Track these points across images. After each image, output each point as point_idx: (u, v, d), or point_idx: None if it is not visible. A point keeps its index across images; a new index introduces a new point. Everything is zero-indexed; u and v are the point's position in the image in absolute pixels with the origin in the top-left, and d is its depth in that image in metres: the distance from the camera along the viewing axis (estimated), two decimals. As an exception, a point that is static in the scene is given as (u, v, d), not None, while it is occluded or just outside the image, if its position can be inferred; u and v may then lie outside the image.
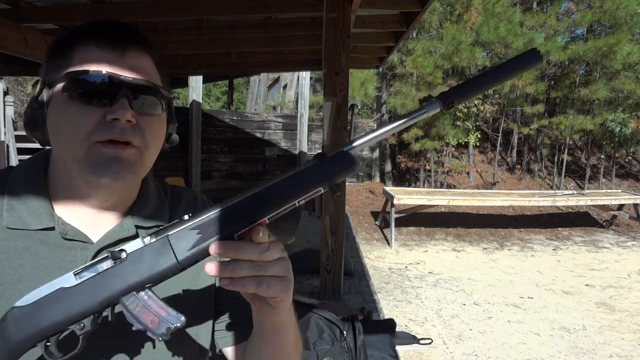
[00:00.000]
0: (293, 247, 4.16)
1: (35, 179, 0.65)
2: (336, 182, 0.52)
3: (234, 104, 14.17)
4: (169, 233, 0.50)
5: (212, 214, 0.50)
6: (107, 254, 0.50)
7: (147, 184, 0.72)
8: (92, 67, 0.59)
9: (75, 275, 0.49)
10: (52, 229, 0.61)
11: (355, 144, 0.54)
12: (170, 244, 0.50)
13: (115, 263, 0.49)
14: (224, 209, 0.51)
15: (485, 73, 0.58)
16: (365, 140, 0.54)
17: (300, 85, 9.64)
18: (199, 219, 0.50)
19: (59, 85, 0.60)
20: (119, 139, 0.58)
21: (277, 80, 12.95)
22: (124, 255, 0.49)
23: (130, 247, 0.50)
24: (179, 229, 0.50)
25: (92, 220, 0.64)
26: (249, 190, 0.51)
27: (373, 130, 0.55)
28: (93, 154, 0.58)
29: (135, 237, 0.64)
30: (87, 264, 0.51)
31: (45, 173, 0.66)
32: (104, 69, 0.59)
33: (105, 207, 0.65)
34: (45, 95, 0.61)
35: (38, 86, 0.62)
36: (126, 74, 0.60)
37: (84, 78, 0.58)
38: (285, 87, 12.02)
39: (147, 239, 0.51)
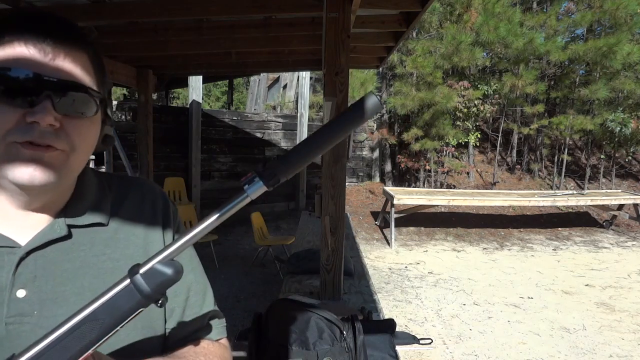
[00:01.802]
0: (293, 247, 4.16)
1: None
2: (157, 296, 0.48)
3: (234, 104, 14.18)
4: None
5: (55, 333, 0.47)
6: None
7: (83, 180, 0.68)
8: (15, 64, 0.54)
9: None
10: None
11: (167, 252, 0.49)
12: None
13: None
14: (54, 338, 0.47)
15: (310, 137, 0.50)
16: (178, 246, 0.50)
17: (300, 85, 9.65)
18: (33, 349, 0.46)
19: None
20: (38, 142, 0.55)
21: (277, 80, 12.96)
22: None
23: None
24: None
25: (20, 223, 0.61)
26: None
27: (188, 232, 0.49)
28: (10, 155, 0.55)
29: (67, 237, 0.62)
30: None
31: None
32: (28, 66, 0.54)
33: (35, 209, 0.61)
34: None
35: None
36: (51, 74, 0.55)
37: (4, 74, 0.54)
38: (285, 87, 12.02)
39: None
